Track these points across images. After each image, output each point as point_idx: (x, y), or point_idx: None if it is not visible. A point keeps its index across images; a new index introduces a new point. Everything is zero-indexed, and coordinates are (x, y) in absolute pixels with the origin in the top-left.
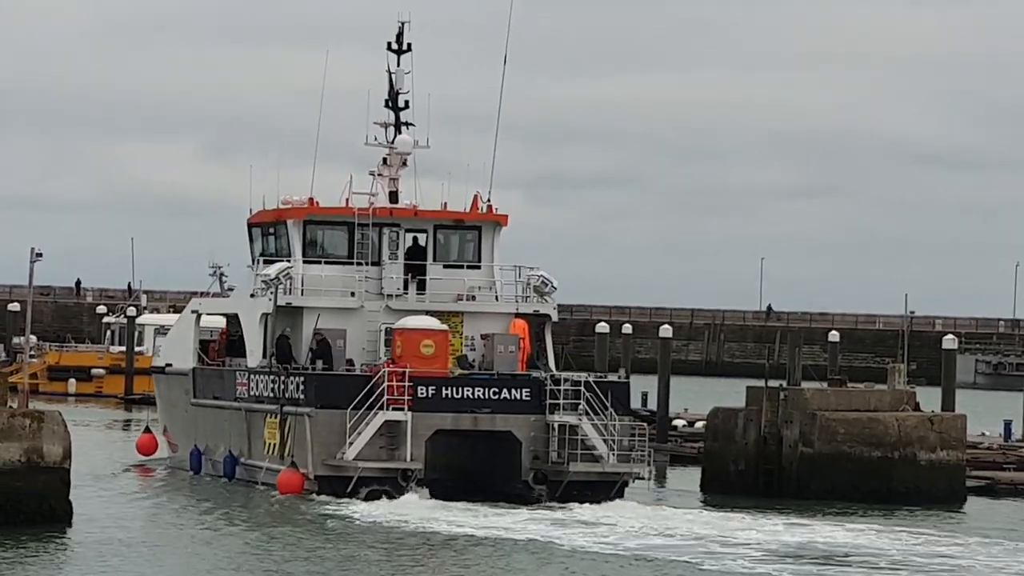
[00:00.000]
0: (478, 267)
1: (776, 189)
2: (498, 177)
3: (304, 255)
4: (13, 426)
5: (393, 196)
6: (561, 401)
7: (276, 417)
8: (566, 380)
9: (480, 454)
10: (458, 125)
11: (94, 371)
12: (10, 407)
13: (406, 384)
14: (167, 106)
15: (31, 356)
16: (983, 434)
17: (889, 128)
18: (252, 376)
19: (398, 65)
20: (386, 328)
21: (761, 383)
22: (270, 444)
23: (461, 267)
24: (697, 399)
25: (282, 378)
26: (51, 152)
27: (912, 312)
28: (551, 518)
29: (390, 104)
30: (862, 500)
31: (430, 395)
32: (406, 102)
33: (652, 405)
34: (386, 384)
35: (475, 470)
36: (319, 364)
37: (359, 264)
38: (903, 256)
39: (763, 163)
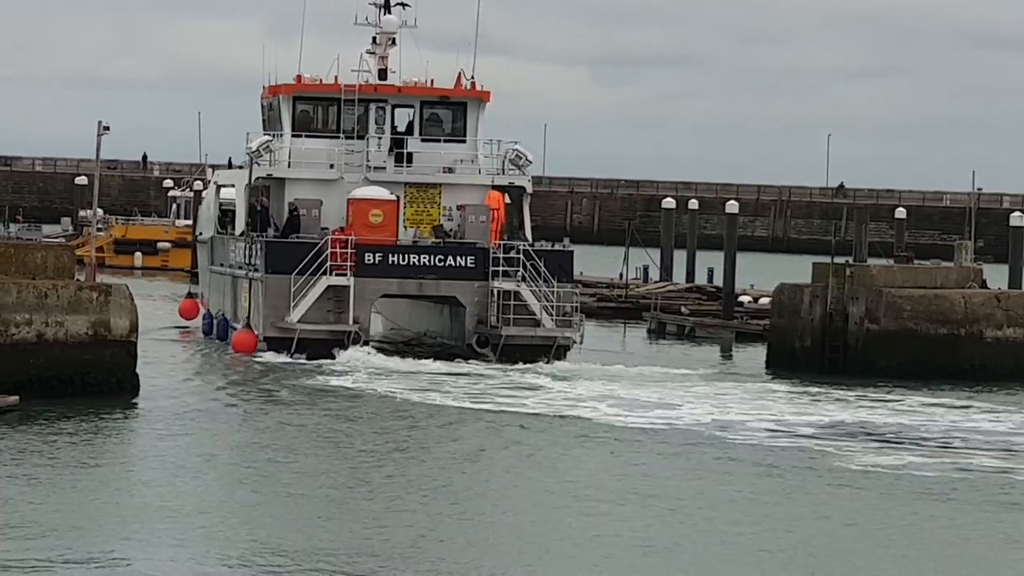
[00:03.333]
0: (462, 141)
1: (841, 69)
2: (561, 55)
3: (294, 129)
4: (81, 299)
5: (382, 74)
6: (501, 268)
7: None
8: (508, 248)
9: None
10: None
11: (160, 244)
12: (77, 280)
13: (349, 251)
14: None
15: (98, 229)
16: None
17: (955, 8)
18: (237, 244)
19: None
20: None
21: (827, 259)
22: (244, 308)
23: (441, 141)
24: (763, 275)
25: (250, 245)
26: (118, 30)
27: (979, 189)
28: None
29: None
30: (927, 377)
31: (377, 261)
32: None
33: (718, 281)
34: (329, 251)
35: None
36: (269, 232)
37: (346, 139)
38: (969, 136)
39: (828, 43)
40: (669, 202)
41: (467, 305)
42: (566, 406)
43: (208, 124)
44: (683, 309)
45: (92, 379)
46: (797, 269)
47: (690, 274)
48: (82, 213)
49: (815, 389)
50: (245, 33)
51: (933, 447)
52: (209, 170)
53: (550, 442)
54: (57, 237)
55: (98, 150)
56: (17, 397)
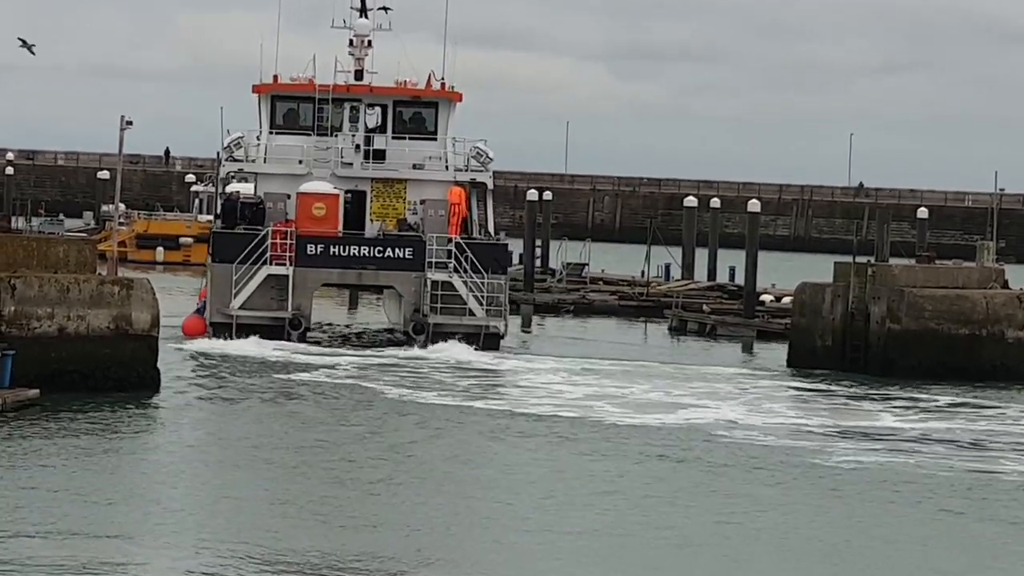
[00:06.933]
0: (433, 139)
1: (864, 65)
2: (582, 50)
3: (272, 126)
4: (102, 293)
5: (359, 74)
6: (435, 260)
7: None
8: (443, 241)
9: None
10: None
11: (182, 239)
12: (99, 275)
13: (289, 242)
14: None
15: (120, 224)
16: None
17: (980, 3)
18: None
19: None
20: None
21: (849, 259)
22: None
23: (410, 138)
24: (785, 274)
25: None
26: (139, 22)
27: (1002, 189)
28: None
29: None
30: (948, 377)
31: (319, 252)
32: None
33: (740, 280)
34: (270, 241)
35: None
36: (217, 223)
37: (319, 136)
38: (993, 133)
39: (851, 38)
40: (691, 200)
41: (404, 295)
42: (574, 404)
43: (230, 118)
44: (704, 307)
45: (113, 373)
46: (818, 268)
47: (711, 272)
48: (104, 207)
49: (836, 388)
50: (268, 25)
51: (953, 447)
52: None
53: (551, 439)
54: (79, 231)
55: (120, 145)
56: (38, 390)
